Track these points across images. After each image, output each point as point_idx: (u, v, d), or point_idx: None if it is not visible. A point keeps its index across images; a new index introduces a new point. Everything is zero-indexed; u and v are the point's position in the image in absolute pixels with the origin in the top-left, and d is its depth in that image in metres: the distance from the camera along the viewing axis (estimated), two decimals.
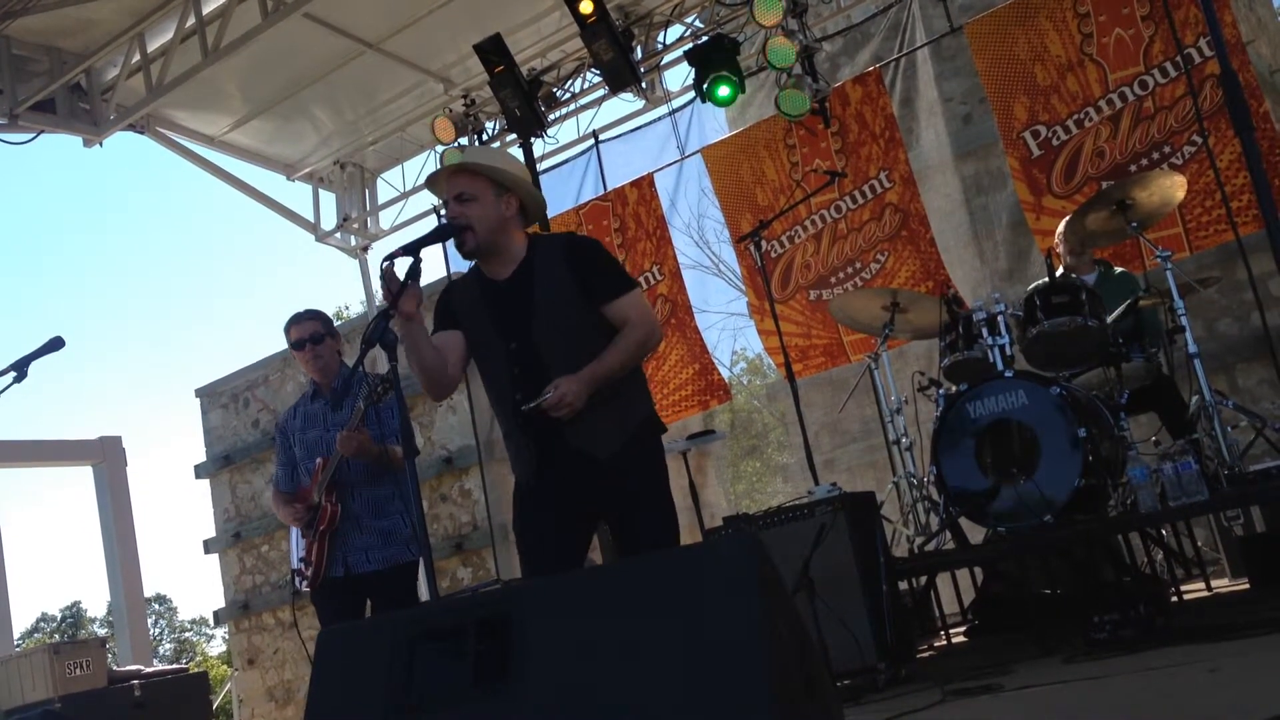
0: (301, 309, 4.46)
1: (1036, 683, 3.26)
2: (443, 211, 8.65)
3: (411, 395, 8.47)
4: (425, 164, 9.20)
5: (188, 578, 68.57)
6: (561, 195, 8.59)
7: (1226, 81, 2.77)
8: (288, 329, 4.39)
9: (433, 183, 3.34)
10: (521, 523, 3.26)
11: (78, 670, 6.66)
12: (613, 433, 3.13)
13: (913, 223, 7.14)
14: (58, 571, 66.13)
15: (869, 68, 7.69)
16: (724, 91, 6.99)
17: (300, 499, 4.30)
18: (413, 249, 3.04)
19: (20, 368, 3.82)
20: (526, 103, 7.46)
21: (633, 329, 3.15)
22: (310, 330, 4.35)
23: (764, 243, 6.16)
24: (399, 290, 2.97)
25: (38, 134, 7.42)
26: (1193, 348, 4.62)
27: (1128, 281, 5.45)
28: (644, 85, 7.87)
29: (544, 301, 3.15)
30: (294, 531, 4.37)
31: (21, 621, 42.52)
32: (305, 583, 4.25)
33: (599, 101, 8.28)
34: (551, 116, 8.05)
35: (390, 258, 3.01)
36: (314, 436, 4.32)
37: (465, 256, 3.22)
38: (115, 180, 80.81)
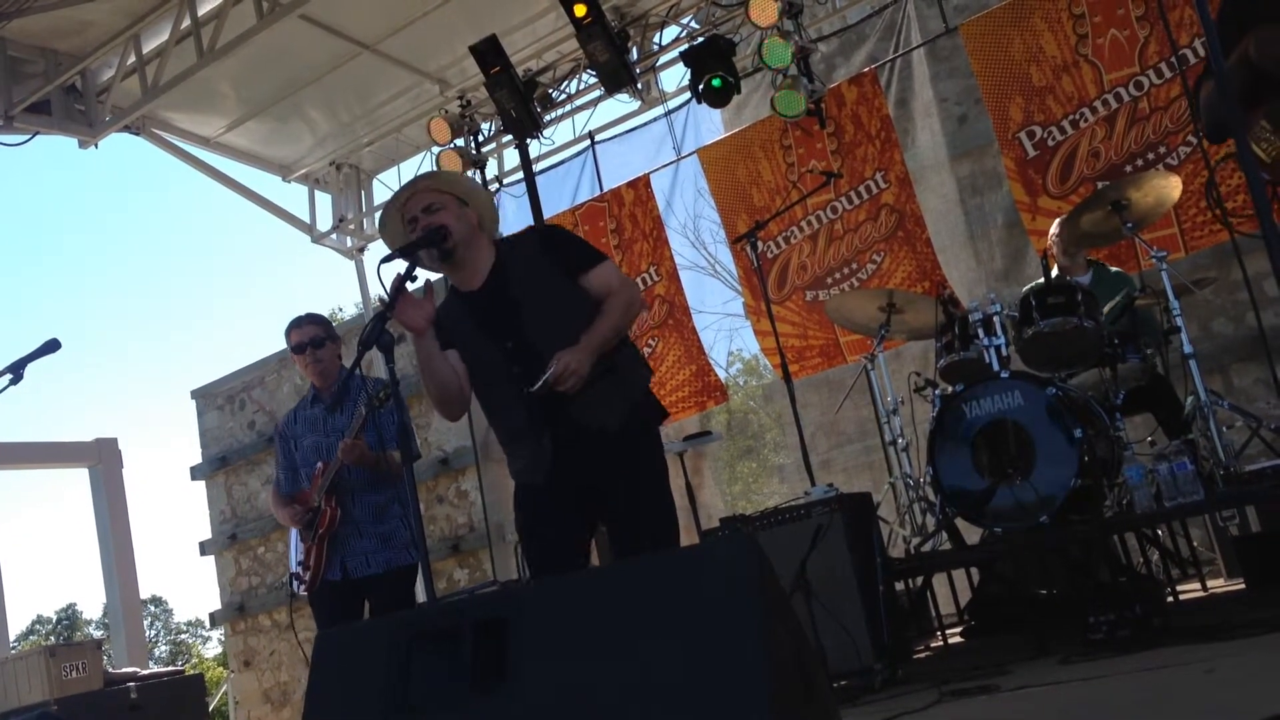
0: (302, 313, 4.48)
1: (1033, 683, 3.26)
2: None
3: (408, 396, 8.45)
4: (421, 165, 9.21)
5: (184, 580, 68.57)
6: (557, 196, 8.59)
7: (1220, 82, 2.77)
8: (288, 333, 4.41)
9: (385, 222, 3.32)
10: (527, 527, 3.27)
11: (73, 672, 6.65)
12: (618, 403, 3.15)
13: (908, 223, 7.15)
14: (53, 574, 66.05)
15: (864, 68, 7.70)
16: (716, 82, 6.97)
17: (300, 502, 4.31)
18: (406, 252, 3.04)
19: (16, 370, 3.82)
20: (522, 104, 7.46)
21: (616, 294, 3.20)
22: (311, 334, 4.36)
23: (760, 243, 6.16)
24: (393, 300, 2.96)
25: (33, 135, 7.40)
26: (1188, 348, 4.62)
27: (1123, 282, 5.45)
28: (640, 86, 7.87)
29: (527, 295, 3.18)
30: (293, 535, 4.38)
31: (17, 623, 42.44)
32: (303, 586, 4.26)
33: (595, 102, 8.28)
34: (547, 117, 8.04)
35: (386, 260, 3.03)
36: (314, 441, 4.34)
37: (443, 259, 3.20)
38: (111, 182, 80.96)
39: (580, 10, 6.78)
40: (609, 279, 3.23)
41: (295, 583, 4.31)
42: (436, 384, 3.15)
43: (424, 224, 3.17)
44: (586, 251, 3.31)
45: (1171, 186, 5.03)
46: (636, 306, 3.30)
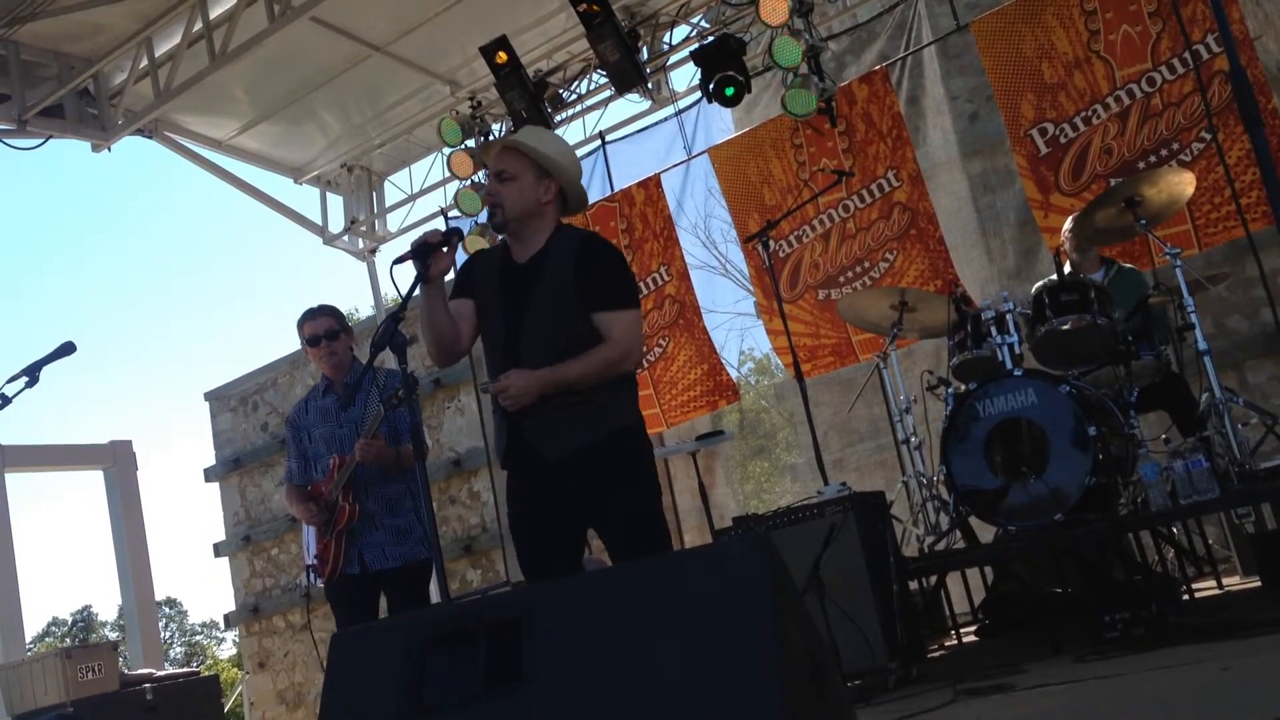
0: (314, 304, 4.47)
1: (1048, 682, 3.25)
2: (451, 214, 8.71)
3: (419, 397, 8.45)
4: (432, 166, 9.24)
5: (198, 581, 68.68)
6: None
7: (1235, 77, 2.76)
8: (301, 324, 4.40)
9: (486, 152, 3.45)
10: (513, 518, 3.28)
11: (89, 674, 6.67)
12: (568, 437, 3.08)
13: (921, 221, 7.13)
14: (69, 575, 66.19)
15: (875, 66, 7.68)
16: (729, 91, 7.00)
17: (314, 494, 4.31)
18: (420, 254, 3.04)
19: (32, 373, 3.84)
20: (533, 104, 7.47)
21: (608, 346, 3.10)
22: (325, 326, 4.37)
23: (772, 242, 6.13)
24: (434, 246, 3.02)
25: (46, 139, 7.46)
26: (1202, 345, 4.60)
27: (1135, 278, 5.43)
28: (650, 86, 7.87)
29: (543, 292, 3.17)
30: (306, 528, 4.38)
31: (33, 626, 42.65)
32: (319, 579, 4.27)
33: (605, 102, 8.29)
34: (558, 118, 8.06)
35: (397, 261, 3.05)
36: (326, 432, 4.35)
37: (494, 230, 3.30)
38: (123, 184, 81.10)
39: (590, 10, 6.78)
40: (611, 329, 3.11)
41: (312, 574, 4.32)
42: (433, 333, 3.17)
43: (487, 190, 3.25)
44: (612, 291, 3.17)
45: (1185, 183, 5.01)
46: (620, 366, 3.15)
